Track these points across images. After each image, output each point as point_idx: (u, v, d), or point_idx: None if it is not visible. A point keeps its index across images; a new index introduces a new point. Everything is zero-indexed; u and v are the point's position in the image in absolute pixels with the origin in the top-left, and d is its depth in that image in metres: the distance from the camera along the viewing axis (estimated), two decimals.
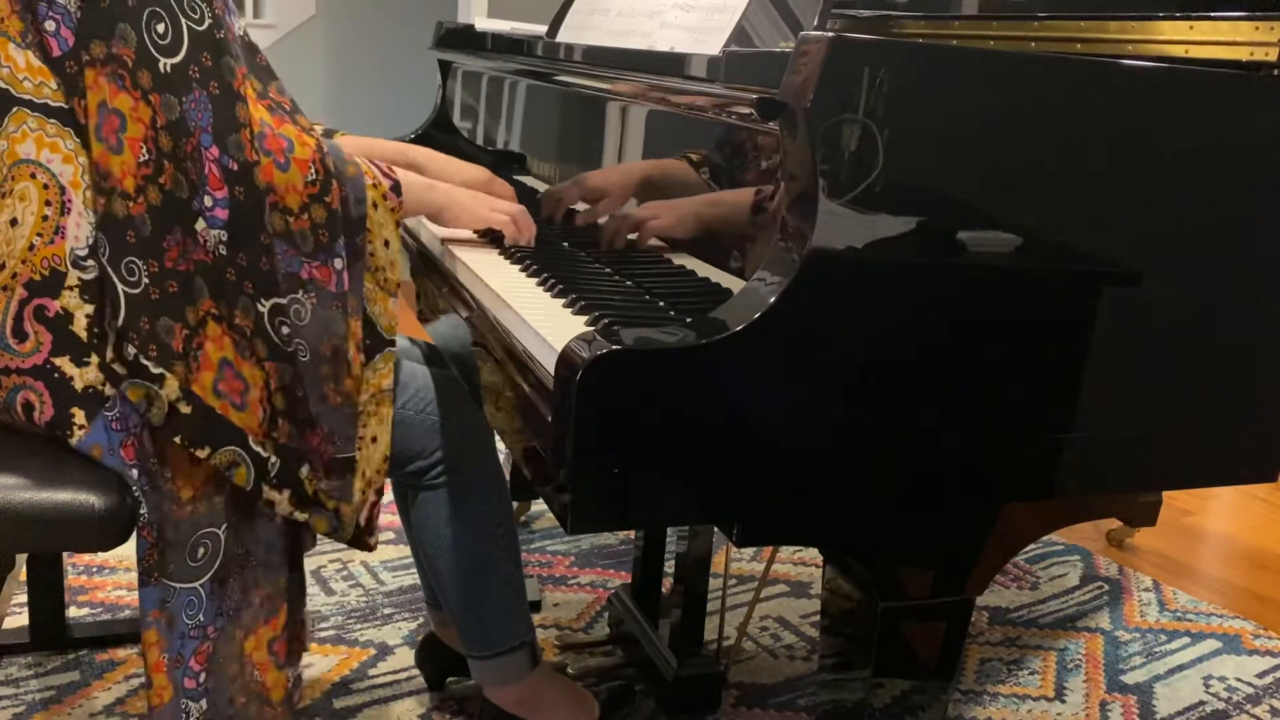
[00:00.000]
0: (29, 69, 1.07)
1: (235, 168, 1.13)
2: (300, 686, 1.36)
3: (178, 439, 1.11)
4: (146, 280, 1.08)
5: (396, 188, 1.28)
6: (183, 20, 1.11)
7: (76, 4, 1.06)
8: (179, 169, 1.11)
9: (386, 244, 1.27)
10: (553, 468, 0.93)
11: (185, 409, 1.10)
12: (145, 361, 1.07)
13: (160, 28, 1.09)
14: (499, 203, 1.43)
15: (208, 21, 1.13)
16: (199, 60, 1.12)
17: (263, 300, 1.16)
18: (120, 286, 1.07)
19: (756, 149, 1.06)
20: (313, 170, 1.18)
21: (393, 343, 1.28)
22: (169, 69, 1.10)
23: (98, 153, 1.06)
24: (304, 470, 1.21)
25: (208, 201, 1.13)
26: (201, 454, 1.13)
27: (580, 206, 1.46)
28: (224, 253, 1.14)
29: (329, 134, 1.50)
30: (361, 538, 1.30)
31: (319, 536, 1.31)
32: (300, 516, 1.23)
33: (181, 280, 1.11)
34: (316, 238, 1.20)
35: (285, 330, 1.18)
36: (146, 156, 1.09)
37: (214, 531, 1.19)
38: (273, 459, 1.18)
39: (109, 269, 1.07)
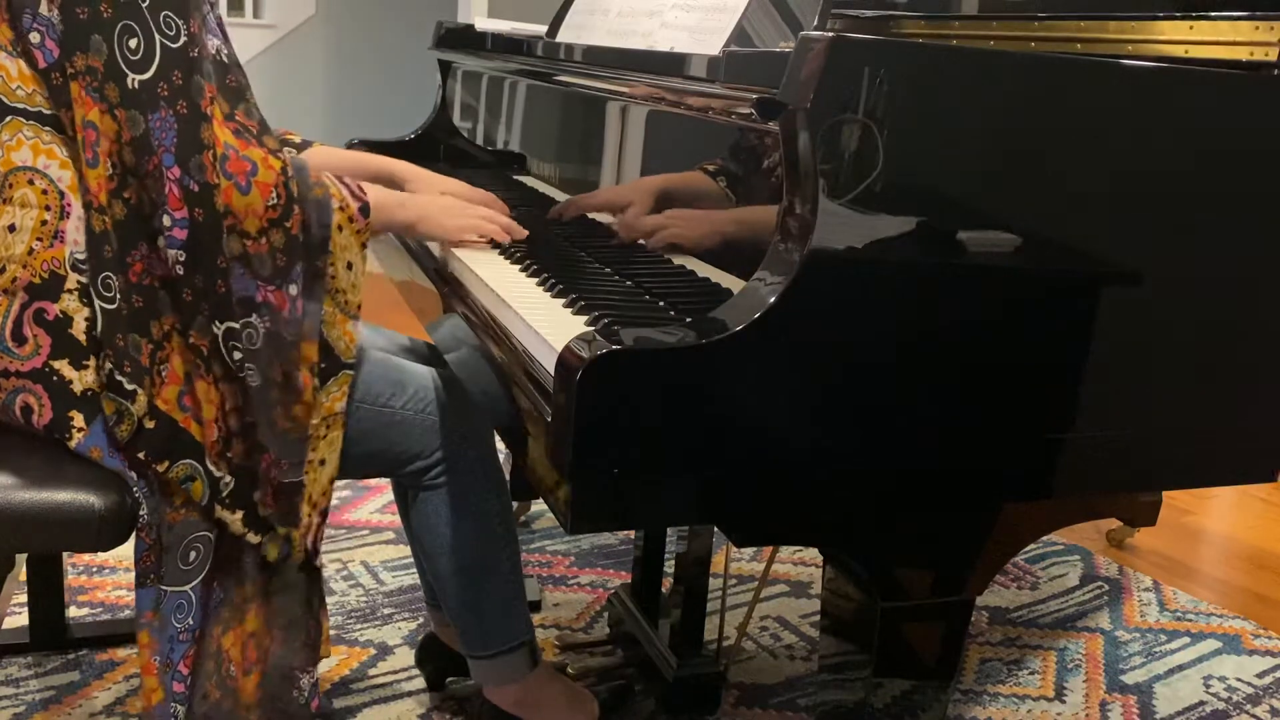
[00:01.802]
0: (21, 77, 1.07)
1: (196, 189, 1.12)
2: (318, 692, 1.35)
3: (141, 454, 1.11)
4: (119, 296, 1.08)
5: (365, 209, 1.25)
6: (157, 37, 1.10)
7: (59, 16, 1.05)
8: (141, 186, 1.11)
9: (349, 266, 1.24)
10: (552, 468, 0.93)
11: (150, 424, 1.10)
12: (120, 378, 1.07)
13: (132, 43, 1.08)
14: (472, 210, 1.40)
15: (183, 39, 1.12)
16: (169, 78, 1.11)
17: (217, 323, 1.15)
18: (98, 302, 1.07)
19: (765, 151, 1.06)
20: (274, 194, 1.16)
21: (350, 366, 1.26)
22: (136, 85, 1.09)
23: (84, 167, 1.06)
24: (257, 494, 1.21)
25: (166, 221, 1.12)
26: (161, 467, 1.12)
27: (598, 217, 1.45)
28: (181, 273, 1.13)
29: (306, 145, 1.49)
30: (309, 561, 1.29)
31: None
32: (253, 539, 1.22)
33: (146, 295, 1.11)
34: (274, 262, 1.18)
35: (237, 354, 1.16)
36: (111, 170, 1.08)
37: (205, 535, 1.19)
38: (226, 478, 1.18)
39: (89, 284, 1.07)
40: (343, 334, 1.24)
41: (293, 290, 1.19)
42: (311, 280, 1.21)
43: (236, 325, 1.16)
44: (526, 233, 1.41)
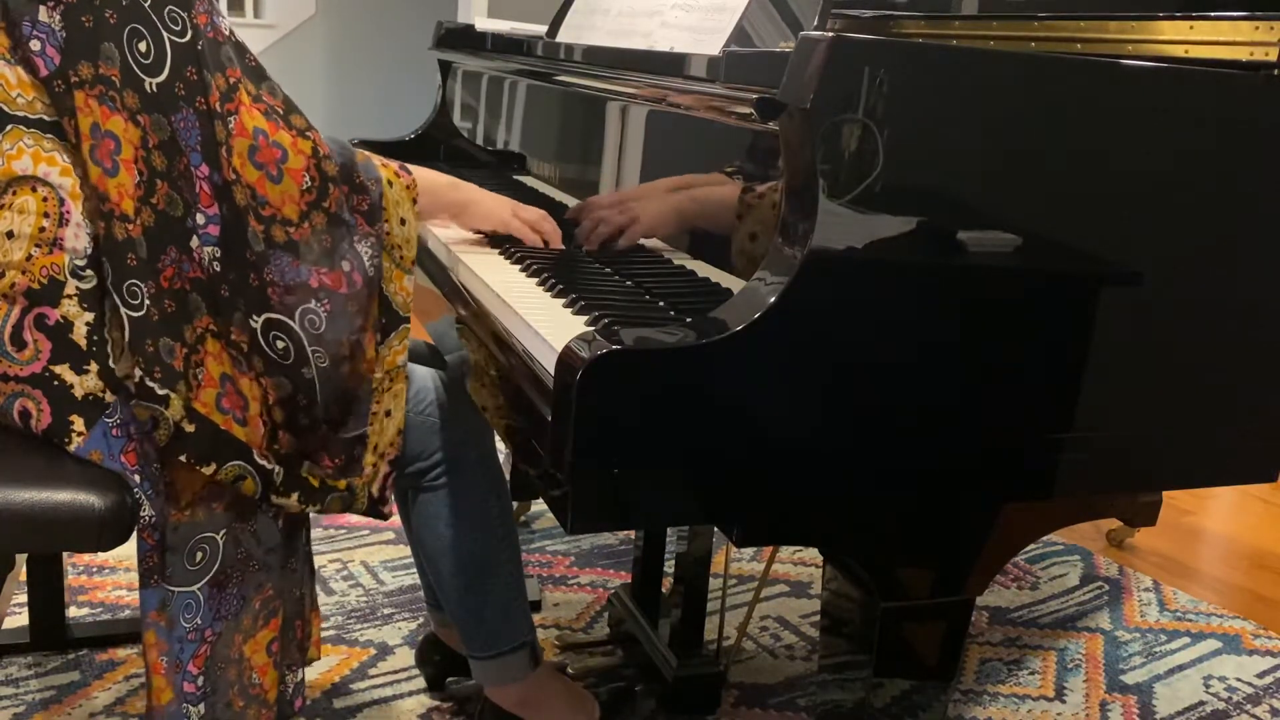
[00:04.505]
0: (20, 85, 1.07)
1: (221, 183, 1.13)
2: (302, 691, 1.36)
3: (183, 457, 1.11)
4: (148, 302, 1.08)
5: (404, 166, 1.28)
6: (164, 34, 1.10)
7: (60, 23, 1.05)
8: (173, 187, 1.10)
9: (403, 222, 1.26)
10: (552, 468, 0.93)
11: (190, 428, 1.10)
12: (151, 384, 1.07)
13: (142, 46, 1.08)
14: (521, 208, 1.43)
15: (189, 33, 1.11)
16: (184, 76, 1.11)
17: (255, 316, 1.15)
18: (124, 310, 1.07)
19: (774, 152, 1.06)
20: (307, 178, 1.17)
21: (407, 319, 1.27)
22: (155, 88, 1.09)
23: (95, 176, 1.06)
24: (305, 467, 1.21)
25: (200, 219, 1.12)
26: (208, 470, 1.12)
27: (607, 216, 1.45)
28: (217, 269, 1.13)
29: None
30: (376, 507, 1.30)
31: (313, 539, 1.31)
32: (313, 509, 1.23)
33: (178, 299, 1.11)
34: (320, 244, 1.18)
35: (281, 344, 1.16)
36: (138, 177, 1.08)
37: (211, 536, 1.18)
38: (277, 469, 1.18)
39: (112, 293, 1.07)
40: (400, 289, 1.26)
41: (345, 266, 1.20)
42: (369, 233, 1.22)
43: (278, 316, 1.16)
44: (562, 247, 1.43)
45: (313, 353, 1.18)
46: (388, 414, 1.27)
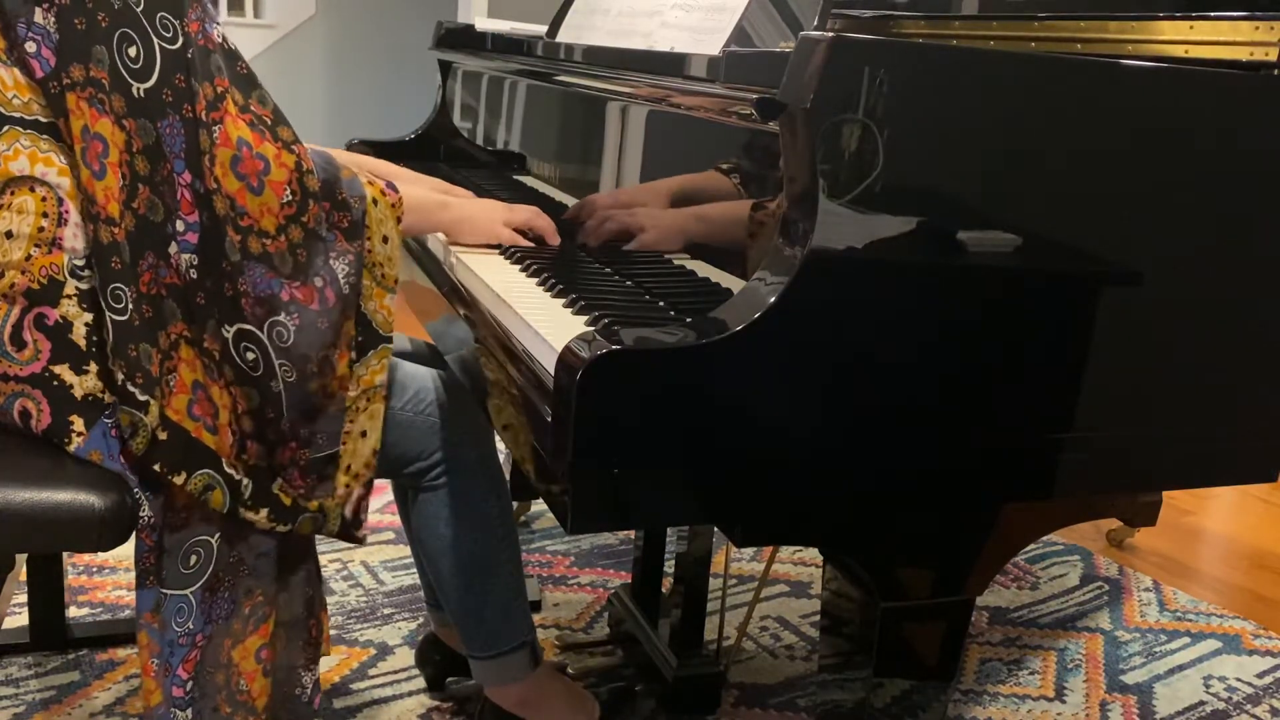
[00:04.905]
0: (17, 86, 1.07)
1: (203, 191, 1.12)
2: (319, 690, 1.36)
3: (157, 466, 1.11)
4: (131, 307, 1.08)
5: (391, 185, 1.27)
6: (155, 40, 1.09)
7: (55, 24, 1.05)
8: (154, 193, 1.10)
9: (385, 240, 1.25)
10: (552, 468, 0.93)
11: (162, 435, 1.10)
12: (133, 389, 1.07)
13: (132, 51, 1.08)
14: (513, 215, 1.43)
15: (180, 40, 1.11)
16: (172, 83, 1.10)
17: (227, 326, 1.15)
18: (109, 314, 1.06)
19: (747, 148, 1.06)
20: (288, 191, 1.16)
21: (388, 339, 1.26)
22: (142, 93, 1.09)
23: (85, 178, 1.06)
24: (276, 485, 1.20)
25: (179, 226, 1.12)
26: (178, 480, 1.12)
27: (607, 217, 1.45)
28: (194, 276, 1.13)
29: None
30: (349, 530, 1.28)
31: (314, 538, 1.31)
32: (282, 529, 1.22)
33: (154, 304, 1.11)
34: (295, 258, 1.17)
35: (250, 355, 1.16)
36: (122, 181, 1.08)
37: (206, 540, 1.18)
38: (245, 481, 1.17)
39: (99, 296, 1.06)
40: (380, 307, 1.25)
41: (318, 282, 1.19)
42: (348, 250, 1.21)
43: (248, 326, 1.15)
44: (559, 240, 1.43)
45: (280, 366, 1.17)
46: (363, 434, 1.25)
